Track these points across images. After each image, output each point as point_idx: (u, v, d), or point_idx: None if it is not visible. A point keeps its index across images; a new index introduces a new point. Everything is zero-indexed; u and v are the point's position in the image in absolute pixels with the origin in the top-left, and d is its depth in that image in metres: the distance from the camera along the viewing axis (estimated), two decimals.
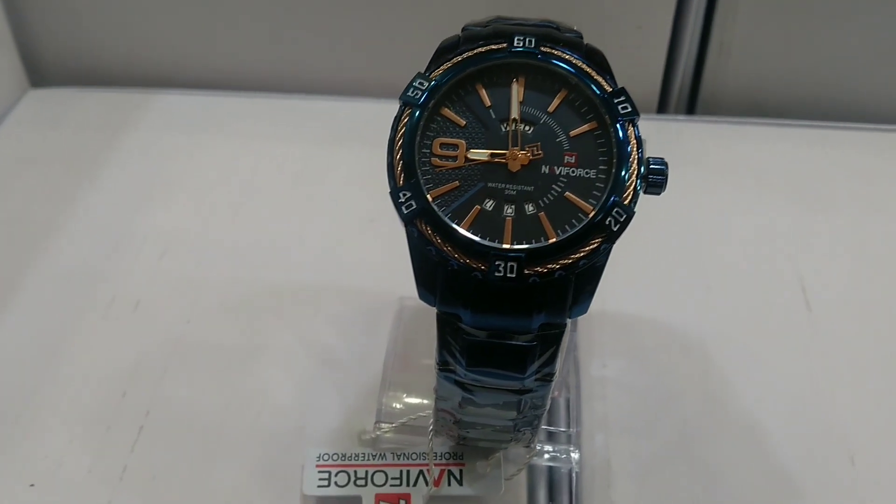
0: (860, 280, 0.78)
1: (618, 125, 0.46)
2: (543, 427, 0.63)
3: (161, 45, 1.01)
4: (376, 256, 0.80)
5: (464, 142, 0.47)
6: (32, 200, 0.86)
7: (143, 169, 0.90)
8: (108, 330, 0.73)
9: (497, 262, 0.44)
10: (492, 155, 0.47)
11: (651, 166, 0.46)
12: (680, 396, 0.68)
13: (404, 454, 0.62)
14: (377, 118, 0.97)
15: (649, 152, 0.47)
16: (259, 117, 0.98)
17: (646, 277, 0.77)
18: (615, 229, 0.45)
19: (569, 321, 0.47)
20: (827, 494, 0.62)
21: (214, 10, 0.98)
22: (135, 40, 1.01)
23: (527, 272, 0.45)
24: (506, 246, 0.45)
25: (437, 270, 0.46)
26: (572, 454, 0.62)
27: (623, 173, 0.46)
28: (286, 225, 0.84)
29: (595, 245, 0.45)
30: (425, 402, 0.64)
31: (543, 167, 0.46)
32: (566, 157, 0.47)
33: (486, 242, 0.45)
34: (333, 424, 0.66)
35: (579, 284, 0.46)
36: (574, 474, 0.62)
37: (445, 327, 0.47)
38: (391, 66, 0.99)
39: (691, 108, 1.01)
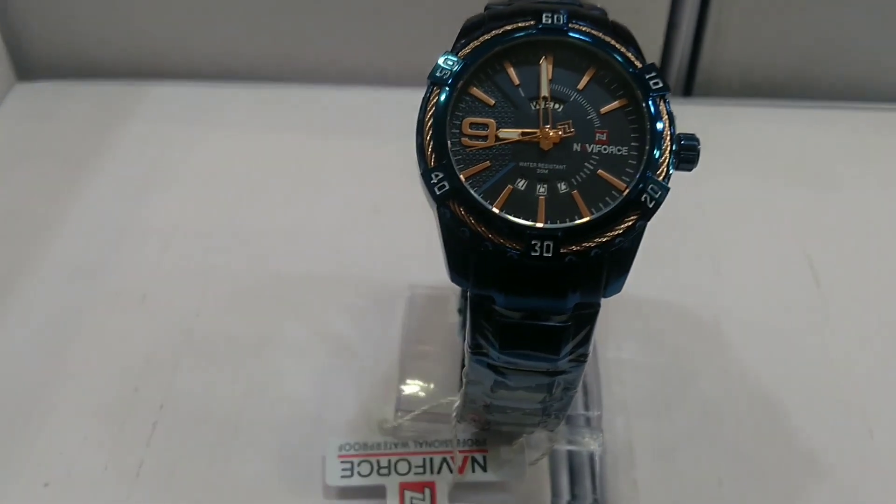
0: (867, 256, 0.78)
1: (650, 101, 0.46)
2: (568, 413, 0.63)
3: (150, 35, 0.99)
4: (383, 246, 0.79)
5: (493, 121, 0.46)
6: (29, 195, 0.84)
7: (138, 161, 0.89)
8: (116, 324, 0.72)
9: (533, 242, 0.44)
10: (522, 134, 0.46)
11: (682, 142, 0.46)
12: (697, 376, 0.68)
13: (426, 442, 0.61)
14: (375, 106, 1.01)
15: None
16: (256, 106, 0.97)
17: (654, 259, 0.75)
18: (650, 206, 0.45)
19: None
20: (847, 467, 0.62)
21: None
22: (123, 31, 0.99)
23: (563, 251, 0.44)
24: (540, 225, 0.44)
25: (469, 252, 0.45)
26: (594, 438, 0.62)
27: (656, 150, 0.45)
28: (290, 215, 0.83)
29: (631, 222, 0.45)
30: (445, 389, 0.64)
31: (575, 145, 0.46)
32: (597, 134, 0.46)
33: (521, 221, 0.44)
34: (351, 415, 0.65)
35: (614, 263, 0.45)
36: (597, 457, 0.62)
37: (479, 310, 0.47)
38: (390, 54, 0.99)
39: (688, 89, 1.01)
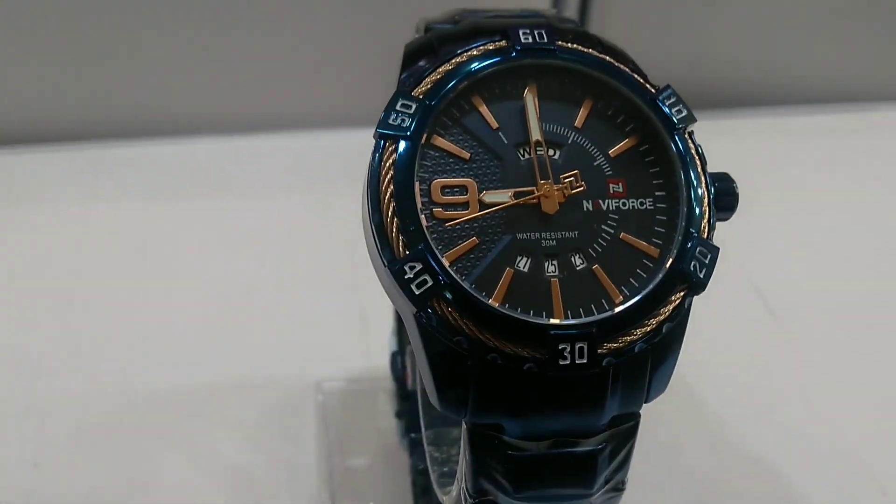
0: (809, 275, 0.72)
1: (675, 137, 0.34)
2: None
3: None
4: (269, 335, 0.64)
5: (473, 181, 0.33)
6: None
7: None
8: None
9: (561, 346, 0.31)
10: (515, 195, 0.33)
11: (717, 185, 0.35)
12: (677, 444, 0.58)
13: None
14: (222, 159, 0.85)
15: None
16: (70, 174, 0.78)
17: None
18: (701, 276, 0.33)
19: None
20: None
21: None
22: None
23: (600, 352, 0.32)
24: (565, 322, 0.32)
25: (465, 368, 0.32)
26: None
27: (694, 201, 0.34)
28: (141, 310, 0.65)
29: (678, 300, 0.33)
30: None
31: (585, 203, 0.34)
32: (611, 185, 0.34)
33: (538, 321, 0.32)
34: None
35: (658, 355, 0.34)
36: None
37: (482, 445, 0.33)
38: (205, 97, 0.84)
39: None
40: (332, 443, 0.55)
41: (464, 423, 0.34)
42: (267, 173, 0.81)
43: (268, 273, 0.69)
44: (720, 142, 0.82)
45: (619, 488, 0.36)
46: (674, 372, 0.35)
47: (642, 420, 0.58)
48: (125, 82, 0.82)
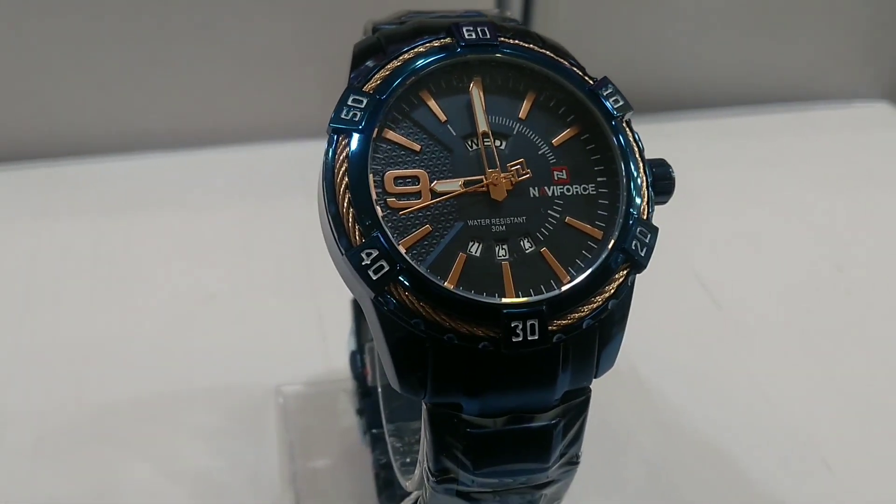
0: (750, 263, 0.75)
1: (612, 124, 0.36)
2: None
3: None
4: (228, 342, 0.64)
5: (425, 172, 0.35)
6: None
7: None
8: None
9: (514, 324, 0.33)
10: (465, 184, 0.35)
11: (655, 170, 0.37)
12: (630, 431, 0.60)
13: None
14: (166, 174, 0.85)
15: None
16: (19, 192, 0.78)
17: None
18: (643, 254, 0.35)
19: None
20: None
21: None
22: None
23: (551, 329, 0.33)
24: (517, 300, 0.33)
25: (423, 350, 0.33)
26: None
27: (632, 185, 0.36)
28: (96, 322, 0.65)
29: (621, 278, 0.35)
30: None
31: (532, 190, 0.36)
32: (555, 172, 0.36)
33: (491, 301, 0.33)
34: None
35: (605, 332, 0.35)
36: None
37: (441, 423, 0.35)
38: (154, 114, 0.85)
39: None
40: (293, 444, 0.55)
41: (423, 405, 0.35)
42: (218, 186, 0.82)
43: (224, 282, 0.70)
44: (658, 142, 0.86)
45: (574, 462, 0.37)
46: (620, 350, 0.37)
47: (595, 408, 0.60)
48: (71, 100, 0.83)
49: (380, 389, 0.49)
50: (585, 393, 0.36)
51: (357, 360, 0.54)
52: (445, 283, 0.33)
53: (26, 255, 0.71)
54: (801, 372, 0.65)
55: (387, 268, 0.33)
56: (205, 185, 0.82)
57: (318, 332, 0.65)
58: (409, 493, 0.43)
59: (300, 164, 0.83)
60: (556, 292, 0.34)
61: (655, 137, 0.86)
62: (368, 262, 0.33)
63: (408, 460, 0.45)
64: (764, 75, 0.97)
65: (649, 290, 0.69)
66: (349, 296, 0.54)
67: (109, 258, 0.72)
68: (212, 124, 0.87)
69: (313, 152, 0.85)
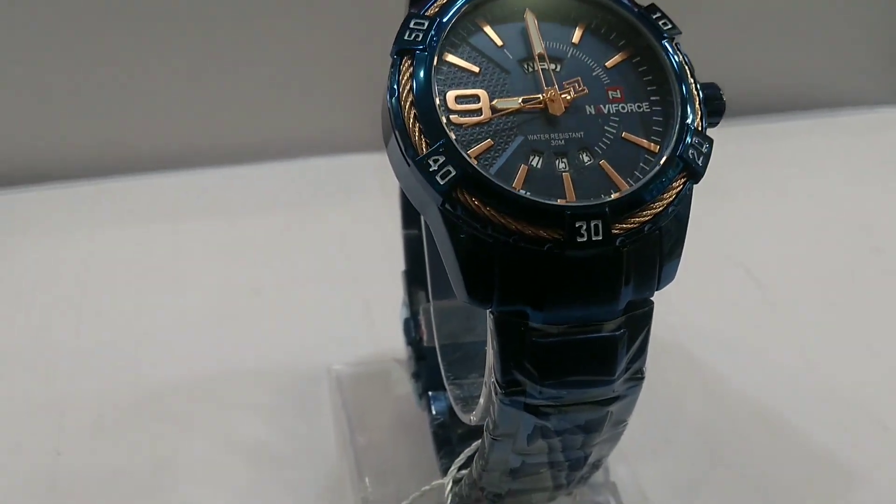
0: (794, 254, 0.75)
1: (663, 45, 0.38)
2: None
3: None
4: (277, 328, 0.66)
5: (485, 91, 0.36)
6: None
7: None
8: None
9: (578, 224, 0.34)
10: (524, 101, 0.36)
11: (707, 91, 0.38)
12: (682, 402, 0.60)
13: None
14: (216, 188, 0.88)
15: None
16: (72, 207, 0.81)
17: None
18: (700, 162, 0.36)
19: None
20: (870, 456, 0.56)
21: None
22: None
23: (614, 231, 0.34)
24: (580, 203, 0.34)
25: (489, 255, 0.34)
26: (610, 494, 0.51)
27: (685, 99, 0.37)
28: (150, 316, 0.67)
29: (679, 186, 0.36)
30: (417, 479, 0.51)
31: (588, 107, 0.37)
32: (609, 91, 0.37)
33: (556, 202, 0.34)
34: None
35: (666, 243, 0.36)
36: None
37: (508, 333, 0.35)
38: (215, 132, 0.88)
39: None
40: (349, 417, 0.56)
41: (489, 316, 0.36)
42: (261, 196, 0.84)
43: (272, 277, 0.71)
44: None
45: (639, 377, 0.38)
46: (680, 263, 0.37)
47: (648, 382, 0.61)
48: (123, 122, 0.86)
49: (437, 346, 0.50)
50: (648, 304, 0.37)
51: (411, 326, 0.55)
52: (513, 189, 0.34)
53: (86, 258, 0.74)
54: (847, 342, 0.65)
55: (454, 172, 0.34)
56: (249, 196, 0.84)
57: (365, 319, 0.66)
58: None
59: (339, 176, 0.86)
60: (618, 196, 0.35)
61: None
62: (436, 168, 0.34)
63: (469, 402, 0.45)
64: (787, 83, 0.99)
65: (693, 273, 0.71)
66: (395, 285, 0.56)
67: (159, 259, 0.74)
68: (254, 141, 0.90)
69: (351, 165, 0.88)
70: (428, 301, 0.51)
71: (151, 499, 0.52)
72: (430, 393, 0.53)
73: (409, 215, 0.54)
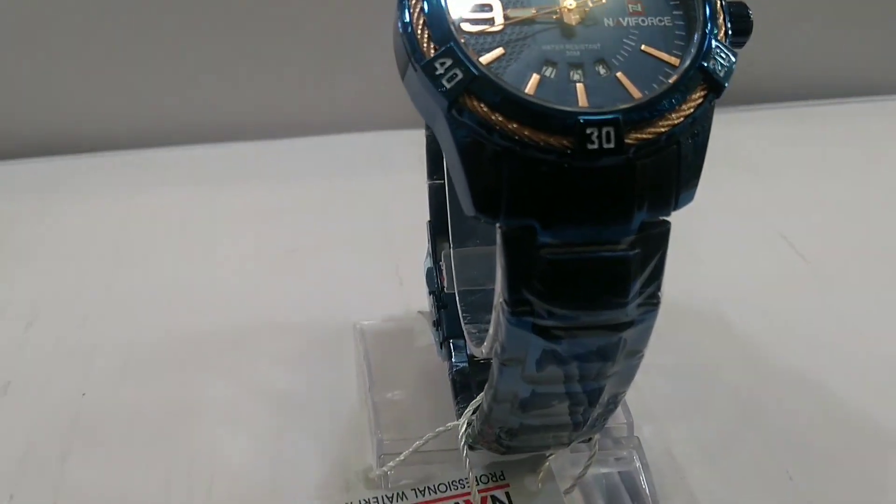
0: (840, 230, 0.73)
1: None
2: None
3: None
4: (310, 285, 0.66)
5: (498, 1, 0.35)
6: None
7: None
8: None
9: (589, 130, 0.32)
10: (539, 10, 0.35)
11: (732, 10, 0.37)
12: (718, 369, 0.58)
13: (429, 488, 0.46)
14: (258, 158, 0.88)
15: None
16: (117, 174, 0.83)
17: None
18: (721, 74, 0.35)
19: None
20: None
21: (42, 74, 0.83)
22: None
23: (627, 141, 0.33)
24: (592, 109, 0.33)
25: (497, 165, 0.33)
26: (633, 449, 0.49)
27: (709, 13, 0.35)
28: (187, 271, 0.68)
29: (700, 98, 0.34)
30: (432, 426, 0.50)
31: (606, 20, 0.36)
32: (630, 5, 0.36)
33: (566, 108, 0.33)
34: (319, 477, 0.49)
35: (683, 160, 0.34)
36: (641, 472, 0.49)
37: (517, 247, 0.34)
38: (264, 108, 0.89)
39: None
40: (370, 370, 0.55)
41: (498, 230, 0.35)
42: (302, 167, 0.85)
43: (309, 239, 0.72)
44: (745, 127, 0.87)
45: (654, 302, 0.36)
46: (699, 185, 0.36)
47: (681, 347, 0.59)
48: (172, 94, 0.88)
49: (455, 290, 0.49)
50: (665, 225, 0.35)
51: (433, 275, 0.54)
52: (523, 95, 0.33)
53: (115, 223, 0.75)
54: (887, 315, 0.62)
55: (460, 75, 0.33)
56: (290, 167, 0.85)
57: (395, 279, 0.66)
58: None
59: (378, 150, 0.86)
60: (632, 103, 0.33)
61: (744, 123, 0.88)
62: (442, 72, 0.33)
63: (483, 339, 0.44)
64: (840, 69, 0.96)
65: (737, 247, 0.69)
66: (424, 248, 0.55)
67: (201, 220, 0.75)
68: (295, 117, 0.90)
69: (389, 141, 0.88)
70: (450, 247, 0.51)
71: (169, 439, 0.52)
72: (451, 341, 0.51)
73: (435, 164, 0.53)
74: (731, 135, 0.85)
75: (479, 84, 0.33)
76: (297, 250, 0.69)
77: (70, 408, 0.54)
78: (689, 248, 0.69)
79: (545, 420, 0.41)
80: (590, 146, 0.32)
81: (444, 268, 0.52)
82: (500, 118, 0.33)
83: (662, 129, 0.33)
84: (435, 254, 0.54)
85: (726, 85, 0.35)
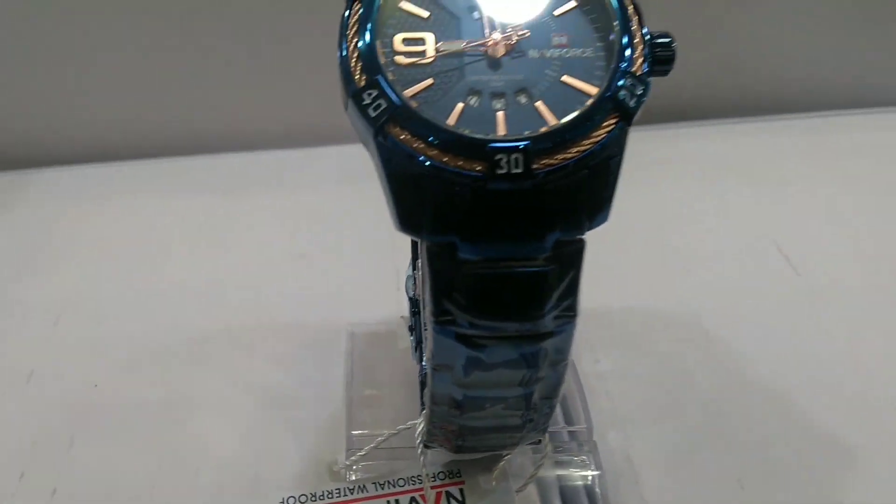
0: (834, 243, 0.73)
1: None
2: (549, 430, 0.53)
3: (20, 124, 0.90)
4: (313, 289, 0.70)
5: (431, 34, 0.39)
6: None
7: (21, 243, 0.77)
8: None
9: (498, 157, 0.35)
10: (468, 43, 0.38)
11: (656, 39, 0.39)
12: (690, 377, 0.60)
13: (388, 482, 0.50)
14: (270, 168, 0.92)
15: None
16: (143, 182, 0.88)
17: (616, 268, 0.69)
18: (632, 104, 0.37)
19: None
20: (864, 444, 0.54)
21: (69, 87, 0.89)
22: None
23: (535, 167, 0.36)
24: (503, 136, 0.36)
25: (420, 187, 0.36)
26: (587, 454, 0.52)
27: (626, 43, 0.38)
28: (198, 273, 0.72)
29: (610, 126, 0.37)
30: (401, 422, 0.53)
31: (532, 51, 0.38)
32: (555, 37, 0.39)
33: (479, 135, 0.36)
34: (296, 467, 0.53)
35: (597, 181, 0.37)
36: (594, 477, 0.51)
37: (439, 261, 0.37)
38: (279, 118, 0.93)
39: None
40: (354, 371, 0.59)
41: (422, 246, 0.38)
42: (312, 176, 0.87)
43: (316, 245, 0.75)
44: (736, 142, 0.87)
45: (569, 317, 0.38)
46: (613, 203, 0.38)
47: (657, 355, 0.61)
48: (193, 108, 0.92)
49: (422, 298, 0.52)
50: (579, 244, 0.38)
51: (412, 283, 0.57)
52: (441, 124, 0.36)
53: (140, 229, 0.79)
54: (873, 332, 0.62)
55: (384, 105, 0.36)
56: (301, 175, 0.88)
57: (393, 285, 0.69)
58: None
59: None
60: (544, 131, 0.36)
61: (756, 134, 0.88)
62: (369, 101, 0.36)
63: None
64: (844, 80, 0.96)
65: (728, 257, 0.70)
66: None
67: (214, 226, 0.79)
68: (309, 127, 0.94)
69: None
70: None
71: (166, 428, 0.57)
72: (422, 345, 0.55)
73: None
74: (727, 145, 0.87)
75: (401, 113, 0.36)
76: (304, 256, 0.73)
77: (83, 397, 0.59)
78: (675, 258, 0.71)
79: (485, 422, 0.44)
80: (499, 171, 0.35)
81: (417, 277, 0.55)
82: (421, 145, 0.36)
83: (571, 155, 0.36)
84: (414, 263, 0.58)
85: (636, 113, 0.37)
